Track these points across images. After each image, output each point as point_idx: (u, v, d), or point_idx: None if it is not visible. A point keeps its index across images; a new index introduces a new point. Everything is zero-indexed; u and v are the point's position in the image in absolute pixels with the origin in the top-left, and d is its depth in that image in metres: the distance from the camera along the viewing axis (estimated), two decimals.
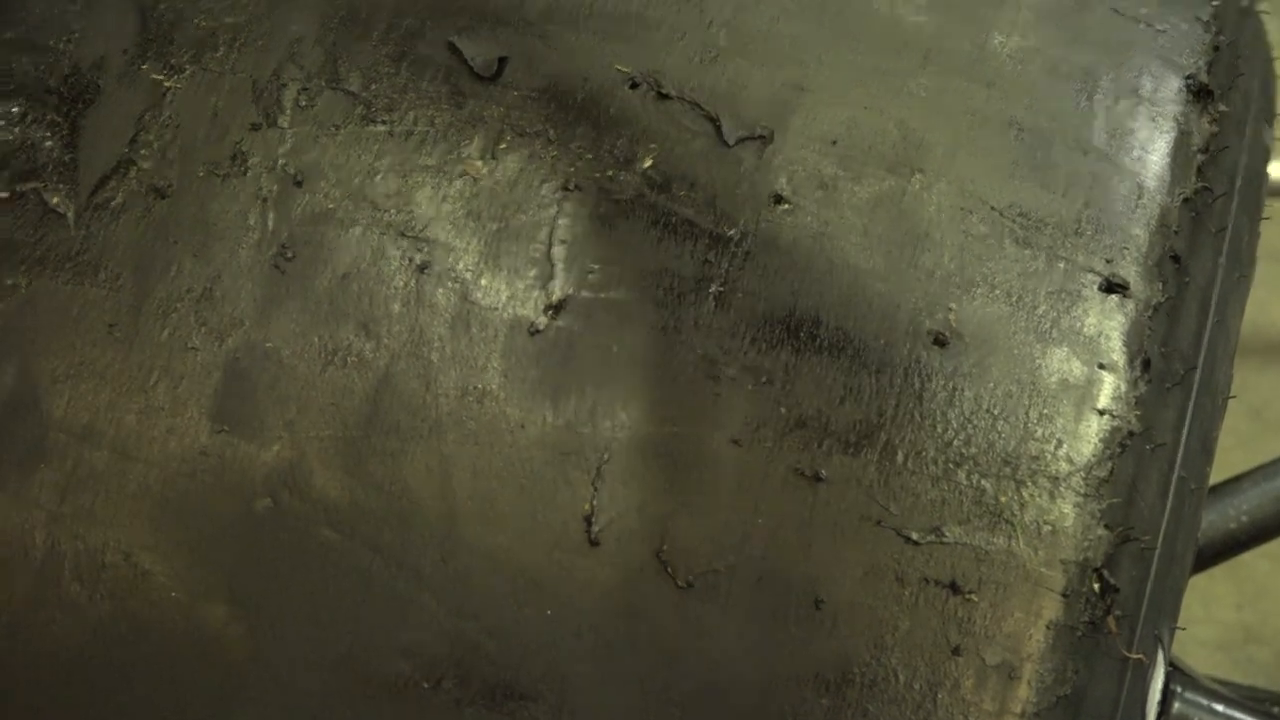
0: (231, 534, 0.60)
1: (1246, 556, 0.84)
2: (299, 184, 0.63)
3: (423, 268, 0.61)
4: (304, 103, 0.65)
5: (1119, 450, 0.60)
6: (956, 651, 0.57)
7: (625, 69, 0.65)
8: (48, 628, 0.61)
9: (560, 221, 0.62)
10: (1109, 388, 0.61)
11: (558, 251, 0.61)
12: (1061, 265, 0.62)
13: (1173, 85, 0.68)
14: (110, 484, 0.61)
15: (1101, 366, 0.61)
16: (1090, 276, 0.62)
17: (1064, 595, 0.58)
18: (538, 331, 0.60)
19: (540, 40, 0.66)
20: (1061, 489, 0.59)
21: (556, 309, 0.61)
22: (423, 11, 0.67)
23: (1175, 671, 0.77)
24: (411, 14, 0.66)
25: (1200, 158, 0.67)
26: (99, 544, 0.60)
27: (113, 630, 0.60)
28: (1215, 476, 0.73)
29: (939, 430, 0.59)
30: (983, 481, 0.58)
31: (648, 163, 0.63)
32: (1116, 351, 0.61)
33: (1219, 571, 0.83)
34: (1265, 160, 0.74)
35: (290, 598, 0.60)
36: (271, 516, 0.60)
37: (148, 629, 0.60)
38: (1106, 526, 0.59)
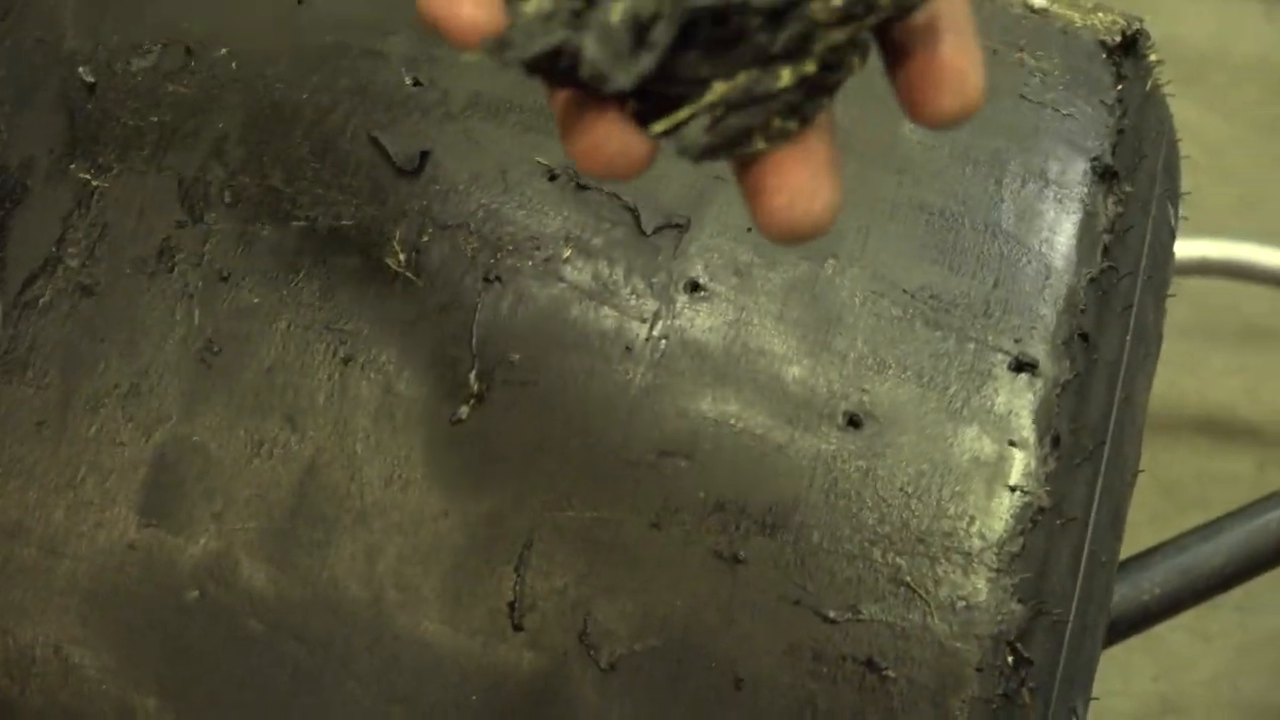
0: (160, 626, 0.60)
1: (1162, 628, 0.84)
2: (224, 279, 0.64)
3: (346, 360, 0.62)
4: (229, 199, 0.65)
5: (1030, 525, 0.61)
6: None
7: (545, 160, 0.66)
8: None
9: (481, 312, 0.63)
10: (1019, 464, 0.62)
11: (478, 342, 0.62)
12: (971, 345, 0.64)
13: (1078, 168, 0.70)
14: (39, 580, 0.61)
15: (1012, 444, 0.62)
16: (1000, 356, 0.64)
17: (979, 669, 0.58)
18: (460, 421, 0.61)
19: (463, 133, 0.67)
20: (975, 565, 0.60)
21: (478, 399, 0.61)
22: (345, 107, 0.67)
23: None
24: (335, 110, 0.67)
25: (1106, 238, 0.68)
26: (29, 639, 0.61)
27: None
28: (1128, 551, 0.74)
29: (854, 510, 0.60)
30: (898, 559, 0.59)
31: (567, 253, 0.64)
32: (1026, 429, 0.62)
33: (1135, 643, 0.84)
34: (1170, 239, 0.75)
35: (219, 688, 0.60)
36: (200, 608, 0.60)
37: None
38: (1019, 600, 0.59)
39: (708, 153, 0.44)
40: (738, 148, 0.44)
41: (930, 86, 0.46)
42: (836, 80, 0.44)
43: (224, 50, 0.69)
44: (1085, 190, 0.69)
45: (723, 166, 0.66)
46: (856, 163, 0.68)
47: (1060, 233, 0.68)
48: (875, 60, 0.46)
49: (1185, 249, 1.54)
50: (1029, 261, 0.66)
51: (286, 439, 0.61)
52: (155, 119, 0.68)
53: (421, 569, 0.60)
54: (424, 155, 0.66)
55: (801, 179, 0.45)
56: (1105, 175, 0.70)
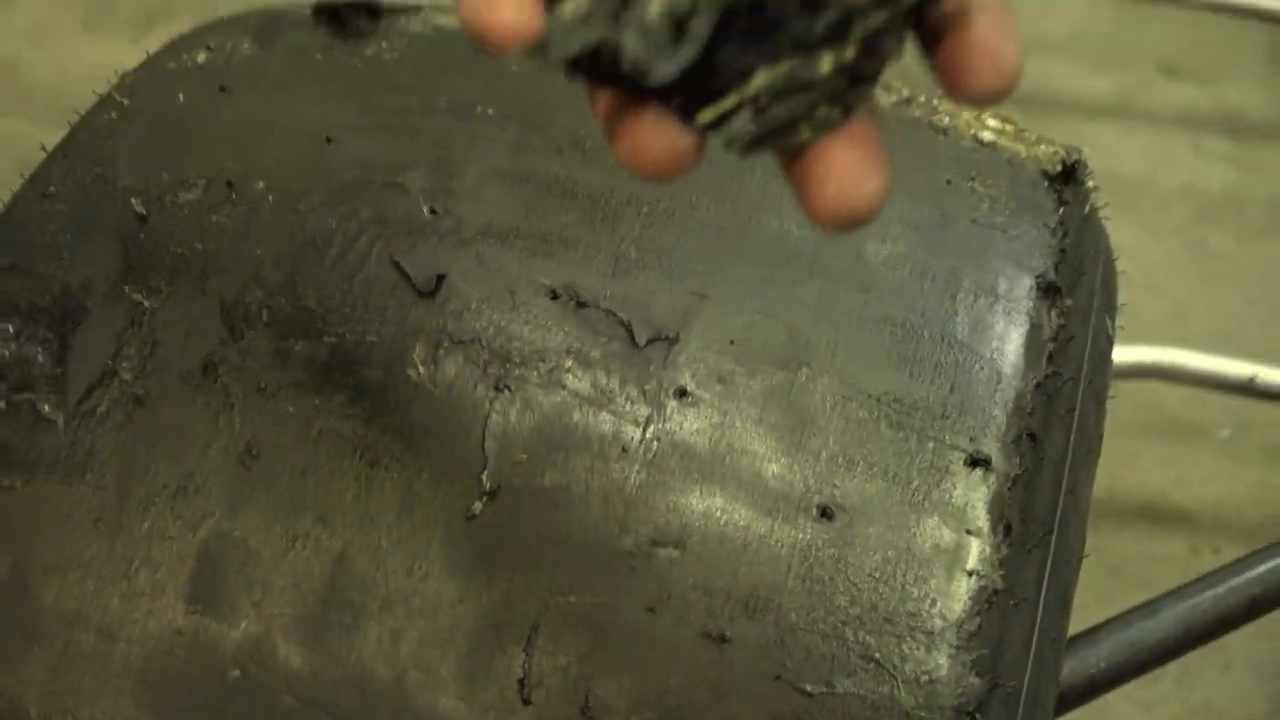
0: (206, 703, 0.61)
1: (1108, 698, 0.84)
2: (262, 390, 0.65)
3: (371, 463, 0.63)
4: (266, 319, 0.67)
5: (986, 607, 0.61)
6: None
7: (548, 282, 0.68)
8: None
9: (492, 418, 0.64)
10: (976, 551, 0.63)
11: (490, 445, 0.63)
12: (931, 444, 0.65)
13: (1025, 284, 0.71)
14: (96, 663, 0.61)
15: (969, 533, 0.63)
16: (956, 454, 0.65)
17: None
18: (473, 516, 0.62)
19: (475, 258, 0.69)
20: (937, 642, 0.60)
21: (490, 496, 0.62)
22: (369, 235, 0.69)
23: None
24: (360, 238, 0.69)
25: (1050, 347, 0.70)
26: (86, 717, 0.61)
27: None
28: (1077, 626, 0.74)
29: (828, 594, 0.61)
30: (868, 638, 0.60)
31: (568, 364, 0.65)
32: (981, 519, 0.63)
33: (1082, 713, 0.84)
34: (1109, 347, 0.77)
35: None
36: (241, 686, 0.60)
37: None
38: (977, 674, 0.60)
39: (755, 144, 0.42)
40: (784, 137, 0.42)
41: (968, 66, 0.43)
42: (877, 67, 0.42)
43: (261, 185, 0.71)
44: (1031, 304, 0.71)
45: (705, 285, 0.68)
46: (824, 282, 0.69)
47: (1009, 342, 0.69)
48: None
49: (1122, 355, 1.55)
50: (981, 368, 0.68)
51: (318, 534, 0.62)
52: (200, 247, 0.69)
53: (440, 651, 0.60)
54: (440, 278, 0.68)
55: (849, 165, 0.42)
56: (1049, 291, 0.71)
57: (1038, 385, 0.68)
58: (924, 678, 0.60)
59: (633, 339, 0.66)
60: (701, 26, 0.39)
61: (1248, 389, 1.64)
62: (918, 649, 0.60)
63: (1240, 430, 1.82)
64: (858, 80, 0.42)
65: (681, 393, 0.65)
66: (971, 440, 0.65)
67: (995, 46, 0.43)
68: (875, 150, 0.43)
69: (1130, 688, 0.86)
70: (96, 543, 0.63)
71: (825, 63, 0.41)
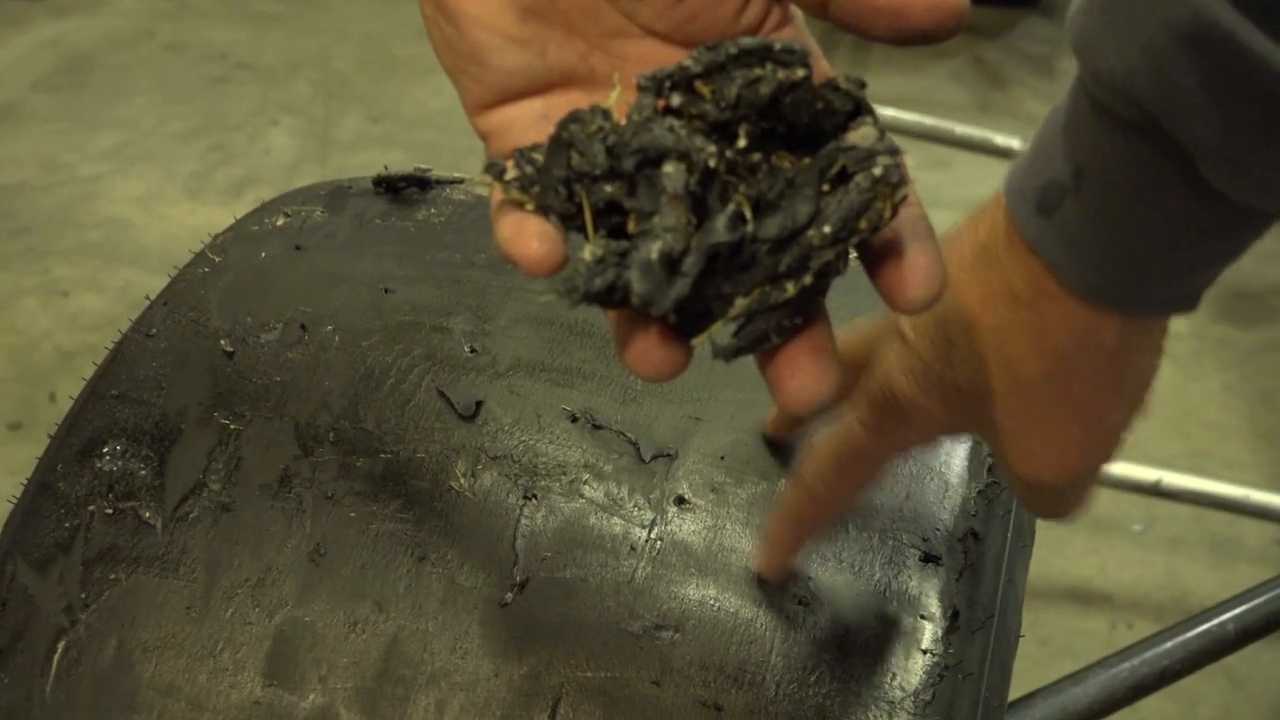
0: None
1: None
2: (329, 499, 0.65)
3: (420, 559, 0.63)
4: (333, 439, 0.67)
5: (939, 679, 0.61)
6: None
7: (568, 407, 0.68)
8: None
9: (522, 521, 0.64)
10: (929, 633, 0.62)
11: (520, 544, 0.63)
12: (890, 543, 0.65)
13: None
14: None
15: (923, 617, 0.63)
16: (912, 550, 0.65)
17: None
18: (506, 604, 0.62)
19: (507, 388, 0.69)
20: (897, 710, 0.60)
21: (520, 587, 0.62)
22: (420, 369, 0.69)
23: None
24: (412, 371, 0.69)
25: (989, 460, 0.70)
26: None
27: None
28: (1016, 693, 0.74)
29: (804, 668, 0.60)
30: (838, 707, 0.60)
31: (585, 476, 0.65)
32: (934, 605, 0.63)
33: None
34: None
35: None
36: None
37: None
38: None
39: (736, 353, 0.44)
40: (758, 346, 0.44)
41: (902, 282, 0.44)
42: (828, 283, 0.44)
43: (330, 327, 0.71)
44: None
45: (700, 410, 0.68)
46: None
47: (955, 457, 0.69)
48: None
49: None
50: (932, 479, 0.67)
51: (375, 619, 0.62)
52: (278, 379, 0.69)
53: (478, 718, 0.60)
54: (479, 404, 0.68)
55: (809, 367, 0.44)
56: None
57: (979, 492, 0.68)
58: None
59: (640, 455, 0.66)
60: (691, 267, 0.41)
61: (1155, 490, 1.65)
62: (880, 716, 0.60)
63: (1149, 525, 1.82)
64: (813, 295, 0.44)
65: (680, 500, 0.65)
66: (924, 540, 0.65)
67: (924, 266, 0.44)
68: (829, 352, 0.45)
69: None
70: (188, 626, 0.63)
71: (789, 289, 0.43)
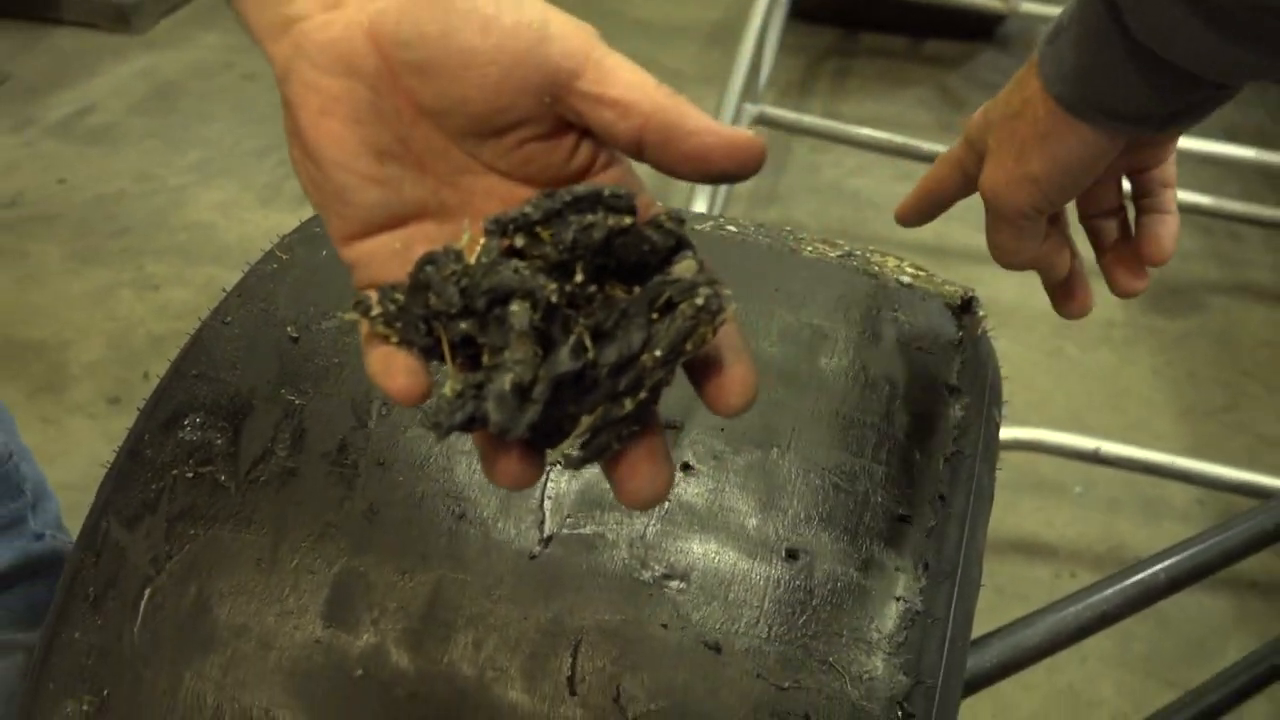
0: (337, 694, 0.60)
1: (998, 684, 0.84)
2: (381, 464, 0.64)
3: (460, 516, 0.62)
4: (384, 413, 0.66)
5: (910, 623, 0.60)
6: None
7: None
8: None
9: (549, 485, 0.63)
10: (902, 583, 0.61)
11: (547, 505, 0.62)
12: (869, 504, 0.64)
13: (936, 386, 0.71)
14: (256, 664, 0.60)
15: (897, 569, 0.62)
16: (887, 510, 0.64)
17: None
18: (534, 557, 0.61)
19: None
20: (874, 650, 0.59)
21: (547, 541, 0.61)
22: None
23: None
24: None
25: (955, 431, 0.69)
26: (248, 704, 0.60)
27: None
28: (976, 633, 0.73)
29: (793, 615, 0.60)
30: (823, 647, 0.59)
31: None
32: (906, 559, 0.62)
33: (980, 697, 0.83)
34: (997, 430, 0.76)
35: None
36: (363, 682, 0.59)
37: None
38: (904, 674, 0.59)
39: (583, 462, 0.44)
40: (602, 455, 0.44)
41: (723, 391, 0.45)
42: (659, 395, 0.44)
43: None
44: (941, 401, 0.70)
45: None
46: (789, 385, 0.68)
47: (925, 428, 0.68)
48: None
49: (1005, 434, 1.55)
50: (905, 448, 0.67)
51: (420, 569, 0.61)
52: (336, 361, 0.68)
53: (509, 655, 0.59)
54: None
55: (647, 470, 0.44)
56: (953, 391, 0.71)
57: (946, 459, 0.67)
58: (865, 676, 0.58)
59: None
60: (541, 394, 0.41)
61: (1094, 457, 1.64)
62: (860, 655, 0.59)
63: (1089, 488, 1.82)
64: (648, 406, 0.44)
65: (686, 466, 0.64)
66: (898, 501, 0.64)
67: (739, 378, 0.45)
68: (664, 454, 0.45)
69: (1018, 675, 0.85)
70: (257, 575, 0.62)
71: (628, 405, 0.43)
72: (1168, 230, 0.68)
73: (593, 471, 0.63)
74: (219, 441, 0.66)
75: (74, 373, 2.00)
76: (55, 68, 2.90)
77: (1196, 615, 1.62)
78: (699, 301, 0.43)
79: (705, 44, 3.03)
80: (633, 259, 0.44)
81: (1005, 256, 0.67)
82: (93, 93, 2.81)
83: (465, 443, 0.64)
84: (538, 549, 0.61)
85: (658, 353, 0.42)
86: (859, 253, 0.79)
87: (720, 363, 0.45)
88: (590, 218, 0.43)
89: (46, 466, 1.00)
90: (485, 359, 0.43)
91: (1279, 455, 1.87)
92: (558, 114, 0.46)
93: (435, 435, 0.42)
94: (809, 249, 0.79)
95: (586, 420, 0.43)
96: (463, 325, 0.43)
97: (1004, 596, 1.60)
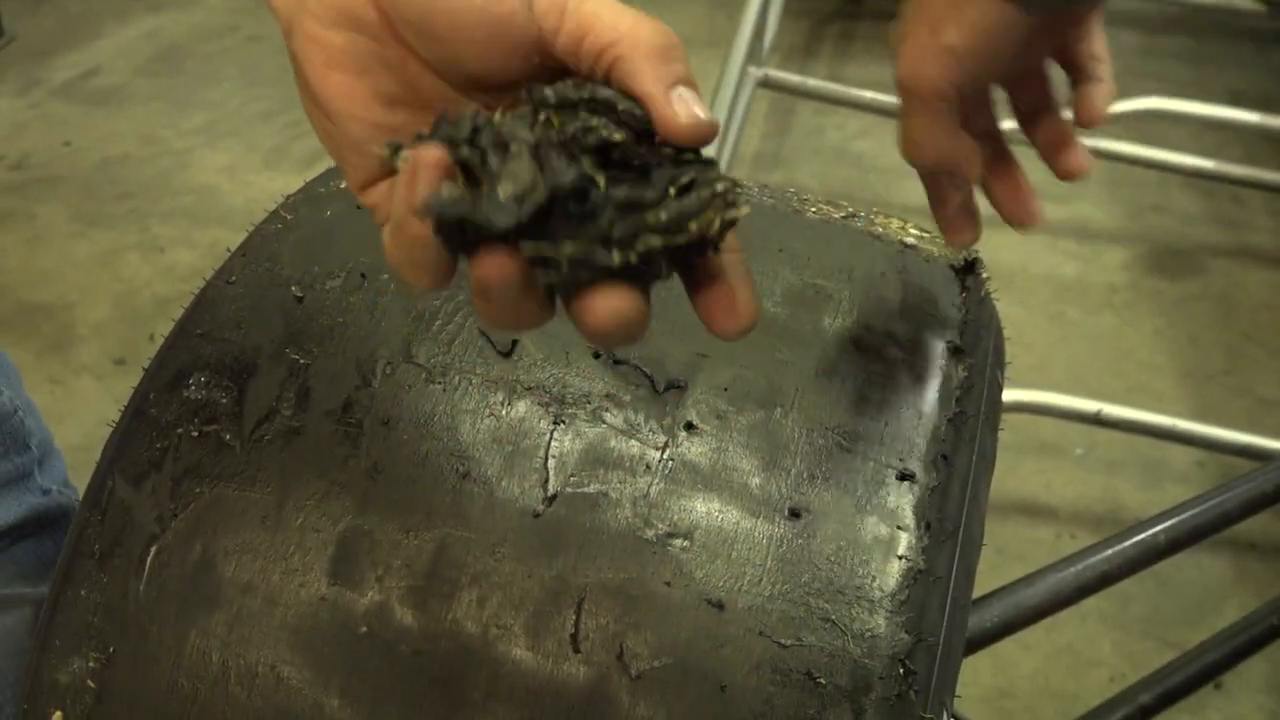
0: (342, 651, 0.60)
1: (1000, 643, 0.84)
2: (385, 423, 0.64)
3: (464, 475, 0.62)
4: (389, 371, 0.66)
5: (913, 582, 0.60)
6: (815, 715, 0.57)
7: (593, 346, 0.67)
8: (221, 715, 0.60)
9: (553, 445, 0.63)
10: (905, 542, 0.61)
11: (551, 464, 0.62)
12: (872, 464, 0.63)
13: (939, 347, 0.70)
14: (262, 621, 0.60)
15: (899, 528, 0.61)
16: (890, 470, 0.63)
17: (881, 678, 0.58)
18: (538, 515, 0.61)
19: (540, 329, 0.67)
20: (876, 609, 0.59)
21: (551, 500, 0.61)
22: (465, 312, 0.68)
23: None
24: (458, 314, 0.68)
25: (958, 392, 0.68)
26: (254, 661, 0.60)
27: (262, 717, 0.60)
28: (977, 593, 0.73)
29: (796, 573, 0.59)
30: (825, 605, 0.59)
31: (607, 405, 0.64)
32: (909, 518, 0.62)
33: (981, 655, 0.83)
34: (999, 392, 0.75)
35: (381, 690, 0.59)
36: (367, 639, 0.59)
37: (285, 714, 0.60)
38: (906, 632, 0.59)
39: (552, 290, 0.45)
40: (571, 292, 0.44)
41: (720, 309, 0.45)
42: (648, 275, 0.44)
43: (386, 275, 0.70)
44: (944, 362, 0.69)
45: (706, 347, 0.66)
46: (792, 344, 0.68)
47: (928, 389, 0.68)
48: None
49: (1007, 396, 1.54)
50: (908, 408, 0.66)
51: (424, 527, 0.61)
52: (341, 320, 0.68)
53: (513, 613, 0.59)
54: (515, 343, 0.67)
55: (607, 304, 0.44)
56: (956, 352, 0.70)
57: (949, 420, 0.67)
58: (867, 634, 0.58)
59: (654, 387, 0.65)
60: (535, 199, 0.42)
61: (1095, 420, 1.64)
62: (862, 613, 0.59)
63: (1090, 449, 1.82)
64: (632, 276, 0.44)
65: (689, 425, 0.64)
66: (901, 460, 0.64)
67: (745, 301, 0.45)
68: (631, 293, 0.44)
69: (1018, 634, 0.85)
70: (263, 533, 0.62)
71: (615, 257, 0.43)
72: (1100, 93, 0.66)
73: (597, 431, 0.63)
74: (224, 400, 0.66)
75: (81, 334, 2.00)
76: (61, 29, 2.89)
77: (1195, 576, 1.62)
78: (718, 188, 0.43)
79: (710, 7, 3.01)
80: (636, 164, 0.44)
81: (916, 149, 0.64)
82: (98, 54, 2.80)
83: (469, 401, 0.64)
84: (541, 507, 0.61)
85: (663, 215, 0.42)
86: (863, 214, 0.79)
87: (724, 278, 0.45)
88: (595, 120, 0.43)
89: (54, 427, 0.99)
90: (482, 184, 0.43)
91: (1279, 417, 1.86)
92: (552, 66, 0.46)
93: (421, 216, 0.42)
94: (813, 210, 0.78)
95: (569, 247, 0.43)
96: (468, 151, 0.43)
97: (1005, 557, 1.60)
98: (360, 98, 0.46)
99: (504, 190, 0.42)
